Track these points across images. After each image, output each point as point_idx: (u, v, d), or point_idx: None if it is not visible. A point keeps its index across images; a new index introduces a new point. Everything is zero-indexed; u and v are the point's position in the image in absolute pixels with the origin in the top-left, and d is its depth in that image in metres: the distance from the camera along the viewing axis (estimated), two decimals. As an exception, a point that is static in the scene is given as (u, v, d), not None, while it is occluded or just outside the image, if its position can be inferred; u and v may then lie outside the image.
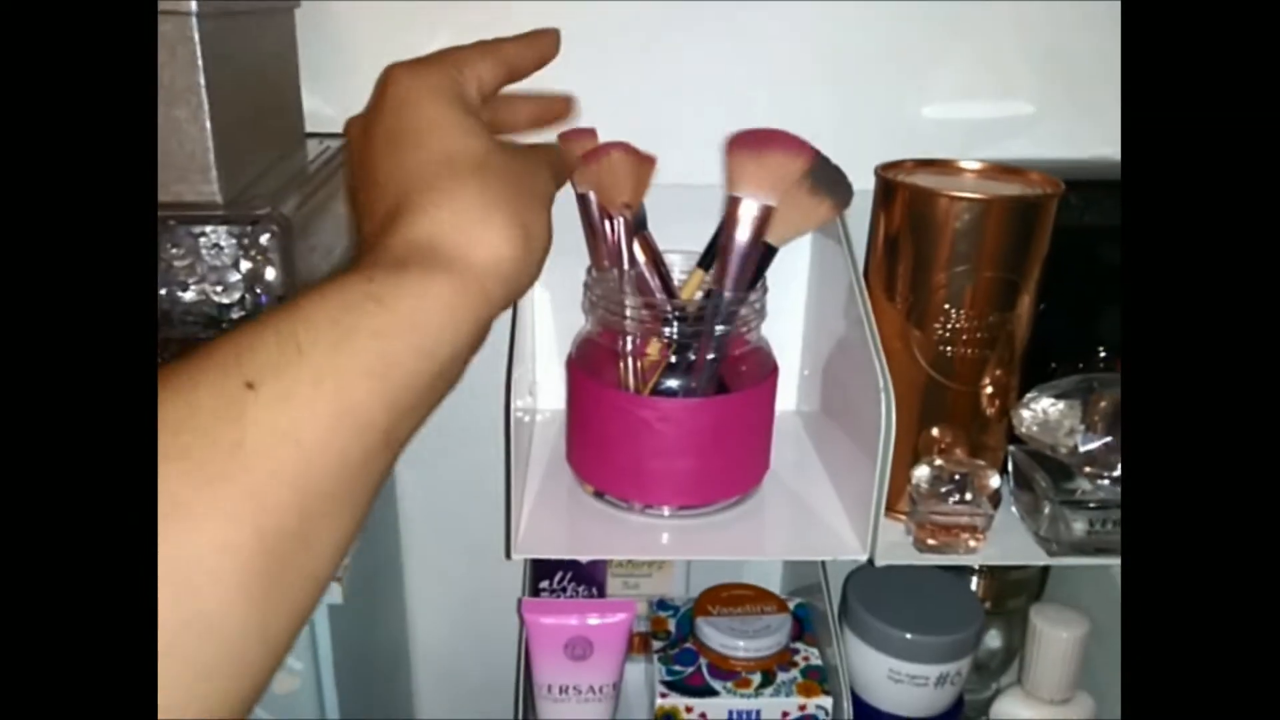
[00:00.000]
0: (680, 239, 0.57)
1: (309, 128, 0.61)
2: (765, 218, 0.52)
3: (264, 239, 0.43)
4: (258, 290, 0.44)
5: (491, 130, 0.34)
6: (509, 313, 0.52)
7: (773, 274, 0.55)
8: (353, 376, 0.26)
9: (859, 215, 0.56)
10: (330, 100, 0.61)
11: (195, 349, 0.26)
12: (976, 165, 0.55)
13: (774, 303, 0.56)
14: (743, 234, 0.52)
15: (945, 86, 0.64)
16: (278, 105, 0.56)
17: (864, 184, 0.54)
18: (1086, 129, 0.65)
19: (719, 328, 0.52)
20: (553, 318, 0.65)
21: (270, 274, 0.43)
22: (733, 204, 0.52)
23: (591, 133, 0.56)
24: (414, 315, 0.28)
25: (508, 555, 0.50)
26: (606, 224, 0.55)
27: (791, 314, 0.65)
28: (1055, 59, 0.63)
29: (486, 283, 0.30)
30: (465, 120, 0.34)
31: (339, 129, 0.61)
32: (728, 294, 0.52)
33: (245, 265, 0.43)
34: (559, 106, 0.44)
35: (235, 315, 0.44)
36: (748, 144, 0.52)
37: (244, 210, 0.43)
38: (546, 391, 0.66)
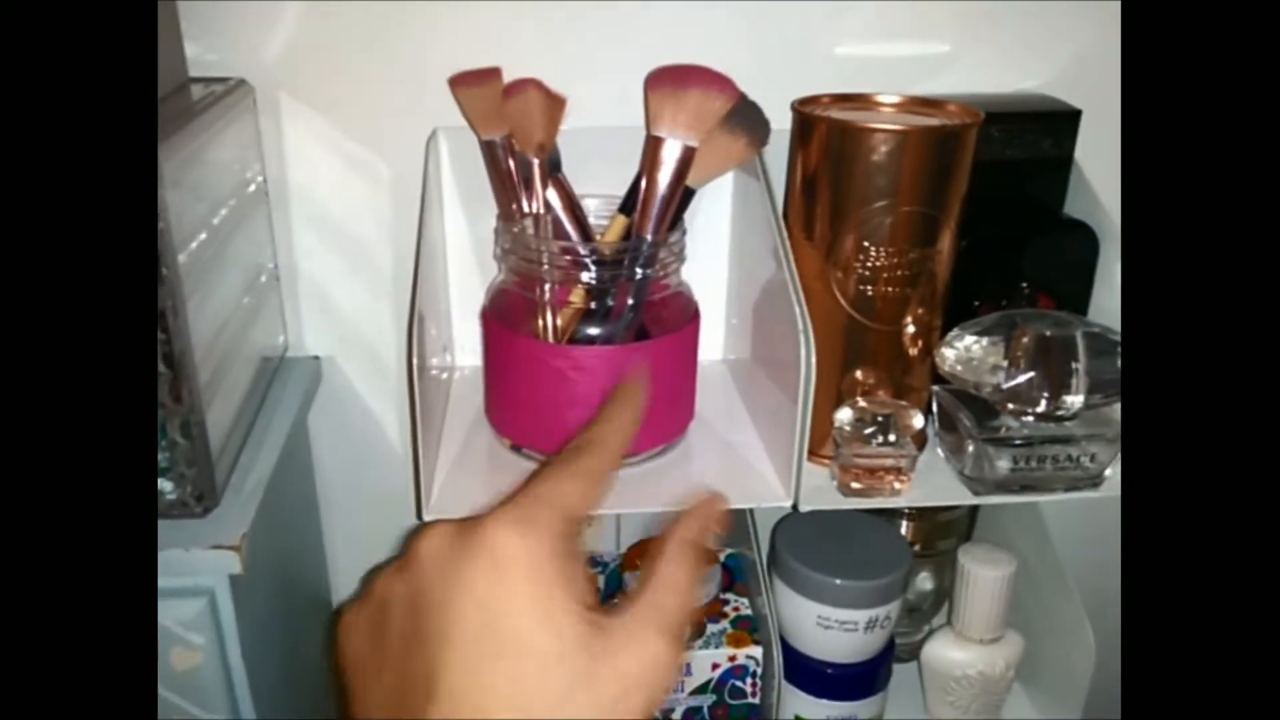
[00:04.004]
0: (593, 183, 0.55)
1: (193, 73, 0.57)
2: (687, 159, 0.50)
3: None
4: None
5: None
6: (410, 269, 0.49)
7: (697, 218, 0.53)
8: None
9: (777, 157, 0.54)
10: (212, 47, 0.58)
11: None
12: (894, 98, 0.54)
13: (697, 247, 0.54)
14: (664, 177, 0.50)
15: (859, 25, 0.62)
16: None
17: (780, 124, 0.52)
18: (1003, 69, 0.63)
19: (639, 272, 0.50)
20: (478, 271, 0.62)
21: (142, 225, 0.40)
22: (654, 145, 0.50)
23: (496, 72, 0.54)
24: None
25: (418, 516, 0.48)
26: (515, 168, 0.53)
27: (715, 259, 0.63)
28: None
29: None
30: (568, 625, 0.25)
31: (222, 74, 0.58)
32: (648, 238, 0.50)
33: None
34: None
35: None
36: (668, 81, 0.49)
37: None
38: (468, 349, 0.64)
